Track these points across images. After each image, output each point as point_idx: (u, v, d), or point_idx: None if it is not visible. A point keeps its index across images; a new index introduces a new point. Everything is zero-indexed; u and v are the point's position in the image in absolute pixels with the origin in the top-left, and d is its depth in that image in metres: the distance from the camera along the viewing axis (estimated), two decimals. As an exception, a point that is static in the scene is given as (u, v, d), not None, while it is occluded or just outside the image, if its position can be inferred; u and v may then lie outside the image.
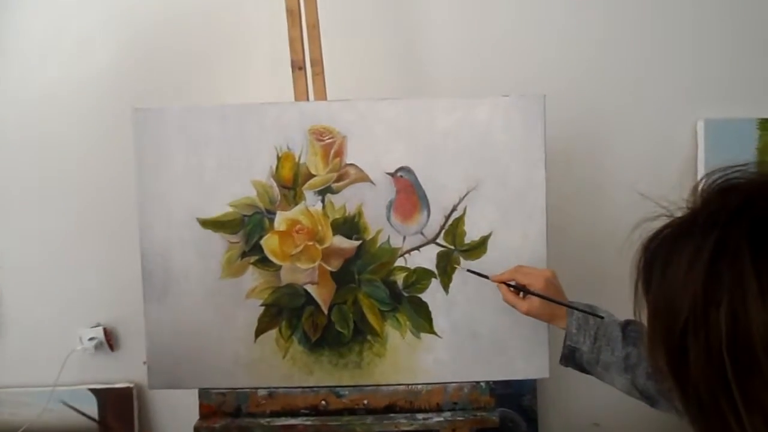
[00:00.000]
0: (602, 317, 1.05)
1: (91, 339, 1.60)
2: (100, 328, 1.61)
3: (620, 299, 1.57)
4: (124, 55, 1.49)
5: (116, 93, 1.48)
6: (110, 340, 1.62)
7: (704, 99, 1.53)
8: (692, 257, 0.55)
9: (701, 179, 0.61)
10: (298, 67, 1.23)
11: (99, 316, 1.61)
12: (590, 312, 1.06)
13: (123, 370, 1.62)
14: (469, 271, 1.15)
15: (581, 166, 1.53)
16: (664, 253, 0.59)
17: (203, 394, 1.22)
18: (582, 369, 1.09)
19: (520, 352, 1.20)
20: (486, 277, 1.12)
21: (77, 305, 1.60)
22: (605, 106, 1.52)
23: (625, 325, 1.08)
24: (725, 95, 1.53)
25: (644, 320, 0.63)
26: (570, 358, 1.08)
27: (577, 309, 1.06)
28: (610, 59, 1.51)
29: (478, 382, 1.22)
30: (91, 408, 1.62)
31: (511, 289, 1.09)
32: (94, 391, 1.62)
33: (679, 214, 0.62)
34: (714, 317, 0.53)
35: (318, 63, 1.23)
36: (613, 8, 1.50)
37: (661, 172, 1.53)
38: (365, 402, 1.22)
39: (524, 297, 1.09)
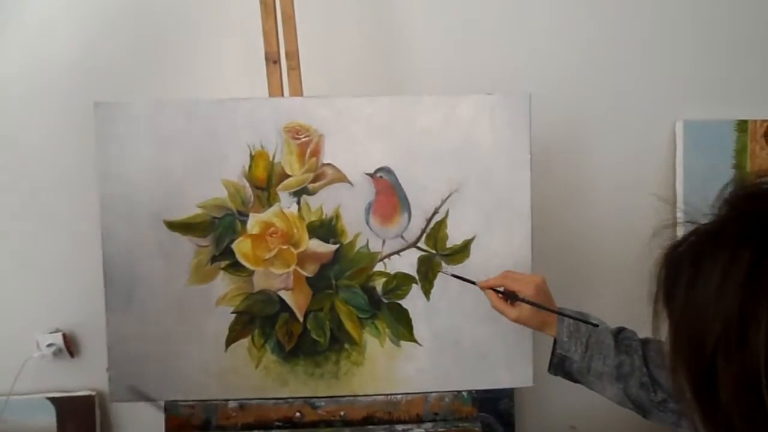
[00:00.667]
0: (596, 325, 1.00)
1: (49, 345, 1.49)
2: (59, 334, 1.50)
3: (605, 303, 1.54)
4: (87, 46, 1.38)
5: (78, 86, 1.36)
6: (70, 346, 1.51)
7: (683, 100, 1.49)
8: (725, 270, 0.49)
9: (726, 185, 0.55)
10: (272, 60, 1.14)
11: (58, 321, 1.50)
12: (582, 319, 1.01)
13: (84, 378, 1.51)
14: (454, 276, 1.09)
15: (560, 168, 1.48)
16: (690, 264, 0.53)
17: (170, 406, 1.14)
18: (572, 378, 1.04)
19: (503, 360, 1.15)
20: (473, 282, 1.06)
21: (34, 309, 1.49)
22: (585, 107, 1.48)
23: (617, 333, 1.03)
24: (704, 96, 1.49)
25: (663, 337, 0.57)
26: (560, 366, 1.03)
27: (568, 316, 1.01)
28: (590, 60, 1.46)
29: (459, 392, 1.16)
30: (50, 418, 1.51)
31: (500, 295, 1.03)
32: (52, 399, 1.50)
33: (704, 221, 0.56)
34: (752, 337, 0.47)
35: (293, 56, 1.15)
36: (593, 9, 1.45)
37: (640, 173, 1.51)
38: (342, 414, 1.15)
39: (513, 304, 1.03)
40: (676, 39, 1.47)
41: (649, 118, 1.49)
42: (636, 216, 1.51)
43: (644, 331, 1.53)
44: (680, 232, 1.39)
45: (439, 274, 1.13)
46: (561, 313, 1.02)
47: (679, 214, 1.41)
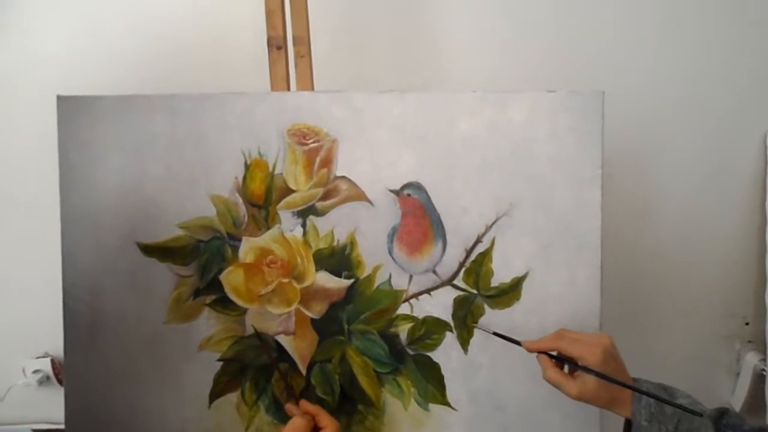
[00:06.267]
0: (699, 414, 0.68)
1: (35, 371, 1.25)
2: (48, 359, 1.26)
3: (682, 346, 1.21)
4: (69, 34, 1.12)
5: (57, 81, 1.10)
6: (58, 373, 1.27)
7: (775, 106, 1.18)
8: None
9: None
10: (276, 46, 0.86)
11: (47, 345, 1.26)
12: (671, 402, 0.70)
13: (74, 408, 1.27)
14: (495, 334, 0.79)
15: (627, 185, 1.18)
16: None
17: (140, 473, 0.86)
18: None
19: (560, 431, 0.84)
20: (517, 342, 0.76)
21: (20, 332, 1.26)
22: (658, 112, 1.18)
23: (719, 418, 0.72)
24: (801, 102, 1.18)
25: None
26: (637, 458, 0.72)
27: (650, 395, 0.70)
28: (665, 58, 1.16)
29: (503, 470, 0.85)
30: (35, 451, 1.28)
31: (554, 361, 0.73)
32: (38, 431, 1.28)
33: None
34: None
35: (303, 42, 0.87)
36: (672, 3, 1.12)
37: (723, 190, 1.21)
38: (353, 492, 0.86)
39: (573, 374, 0.73)
40: (767, 38, 1.15)
41: (735, 126, 1.18)
42: (717, 242, 1.21)
43: (728, 378, 1.25)
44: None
45: (476, 328, 0.83)
46: (640, 390, 0.71)
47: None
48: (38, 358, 1.26)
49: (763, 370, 1.19)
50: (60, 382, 1.28)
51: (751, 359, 1.22)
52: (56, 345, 1.26)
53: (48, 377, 1.27)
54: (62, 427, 1.26)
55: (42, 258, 1.21)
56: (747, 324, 1.24)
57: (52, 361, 1.27)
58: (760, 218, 1.19)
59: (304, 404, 0.75)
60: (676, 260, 1.20)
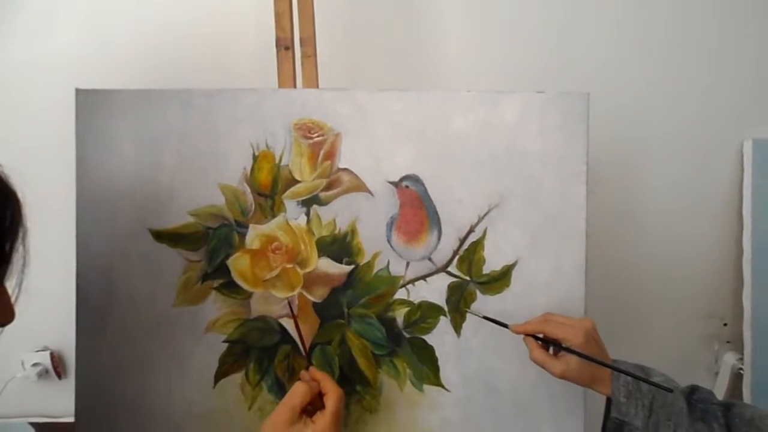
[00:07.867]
0: (669, 389, 0.74)
1: (35, 365, 1.28)
2: (47, 353, 1.30)
3: (661, 342, 1.27)
4: (84, 31, 1.18)
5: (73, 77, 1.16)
6: (57, 367, 1.30)
7: (752, 117, 1.26)
8: None
9: None
10: (284, 46, 0.93)
11: (46, 338, 1.30)
12: (646, 379, 0.76)
13: (72, 402, 1.29)
14: (485, 318, 0.85)
15: (609, 189, 1.24)
16: None
17: (146, 451, 0.90)
18: None
19: (547, 412, 0.91)
20: (505, 325, 0.82)
21: (20, 325, 1.26)
22: (639, 121, 1.25)
23: (690, 393, 0.78)
24: (776, 113, 1.25)
25: None
26: (616, 433, 0.78)
27: (627, 373, 0.76)
28: (648, 68, 1.23)
29: (493, 449, 0.90)
30: (33, 445, 1.30)
31: (539, 343, 0.79)
32: (35, 425, 1.33)
33: None
34: None
35: (309, 43, 0.93)
36: (656, 13, 1.21)
37: (702, 197, 1.28)
38: (351, 469, 0.90)
39: (557, 354, 0.79)
40: (745, 50, 1.24)
41: (713, 136, 1.26)
42: (697, 245, 1.28)
43: (708, 377, 1.31)
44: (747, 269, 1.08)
45: (468, 312, 0.89)
46: (618, 369, 0.77)
47: (746, 244, 1.08)
48: (37, 351, 1.29)
49: (741, 369, 1.26)
50: (59, 375, 1.31)
51: (729, 359, 1.28)
52: (56, 338, 1.30)
53: (47, 371, 1.30)
54: (60, 420, 1.31)
55: (44, 251, 1.24)
56: (725, 325, 1.30)
57: (52, 355, 1.30)
58: (737, 223, 1.26)
59: (313, 371, 0.80)
60: (656, 264, 1.26)
